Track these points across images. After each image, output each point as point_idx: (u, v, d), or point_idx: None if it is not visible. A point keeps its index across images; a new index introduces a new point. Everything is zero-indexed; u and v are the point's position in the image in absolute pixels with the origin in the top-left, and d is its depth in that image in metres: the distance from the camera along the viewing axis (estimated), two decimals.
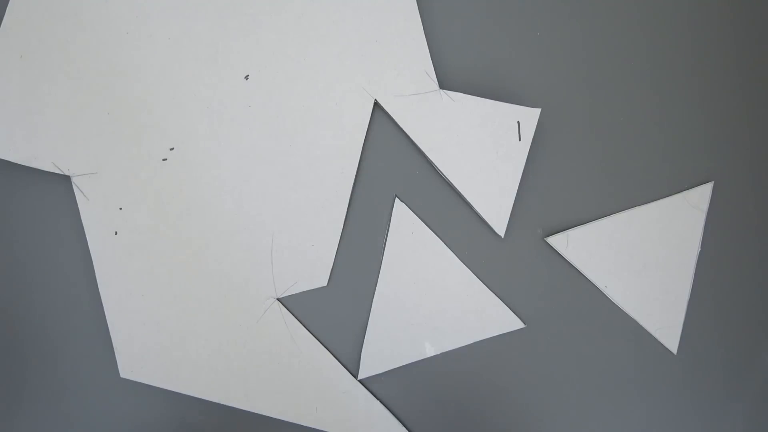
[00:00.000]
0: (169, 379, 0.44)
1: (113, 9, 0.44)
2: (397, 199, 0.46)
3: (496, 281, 0.46)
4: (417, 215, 0.46)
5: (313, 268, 0.45)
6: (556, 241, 0.46)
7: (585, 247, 0.46)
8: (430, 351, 0.46)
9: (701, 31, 0.49)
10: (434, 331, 0.46)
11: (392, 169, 0.47)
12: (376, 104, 0.46)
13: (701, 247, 0.48)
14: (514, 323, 0.46)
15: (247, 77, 0.45)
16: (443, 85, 0.46)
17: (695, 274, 0.47)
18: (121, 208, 0.44)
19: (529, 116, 0.46)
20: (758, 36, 0.49)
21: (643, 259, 0.47)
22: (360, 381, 0.46)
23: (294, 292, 0.45)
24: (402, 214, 0.46)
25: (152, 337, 0.44)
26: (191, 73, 0.45)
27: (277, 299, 0.45)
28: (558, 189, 0.47)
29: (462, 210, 0.47)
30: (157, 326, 0.44)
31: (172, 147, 0.45)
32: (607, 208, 0.47)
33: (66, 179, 0.44)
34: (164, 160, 0.44)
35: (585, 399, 0.47)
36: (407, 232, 0.46)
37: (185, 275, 0.44)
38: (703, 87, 0.49)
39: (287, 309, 0.45)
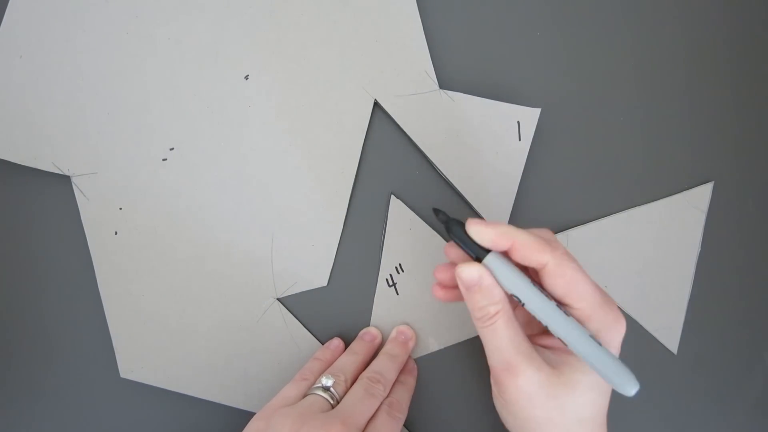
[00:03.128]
0: (168, 379, 0.44)
1: (113, 9, 0.44)
2: (392, 196, 0.46)
3: None
4: (415, 212, 0.46)
5: (313, 268, 0.46)
6: None
7: (585, 247, 0.47)
8: (433, 346, 0.46)
9: (701, 32, 0.49)
10: (437, 326, 0.46)
11: (392, 169, 0.47)
12: (376, 104, 0.46)
13: (701, 247, 0.48)
14: None
15: (247, 77, 0.45)
16: (443, 84, 0.46)
17: (695, 274, 0.47)
18: (121, 208, 0.44)
19: (529, 116, 0.46)
20: (758, 37, 0.49)
21: (643, 259, 0.47)
22: None
23: (294, 292, 0.45)
24: (398, 211, 0.46)
25: (152, 338, 0.44)
26: (192, 72, 0.45)
27: (277, 299, 0.45)
28: (558, 189, 0.47)
29: (462, 210, 0.46)
30: (157, 326, 0.44)
31: (172, 147, 0.45)
32: (607, 208, 0.47)
33: (66, 179, 0.44)
34: (164, 160, 0.44)
35: None
36: (405, 228, 0.46)
37: (185, 275, 0.44)
38: (703, 87, 0.49)
39: (287, 309, 0.45)
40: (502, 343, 0.34)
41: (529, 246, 0.33)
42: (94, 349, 0.45)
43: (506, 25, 0.48)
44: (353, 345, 0.45)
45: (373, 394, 0.39)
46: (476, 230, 0.34)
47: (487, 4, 0.48)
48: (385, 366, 0.42)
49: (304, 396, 0.40)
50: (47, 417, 0.45)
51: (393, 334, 0.45)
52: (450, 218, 0.36)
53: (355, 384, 0.40)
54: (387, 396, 0.41)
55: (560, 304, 0.34)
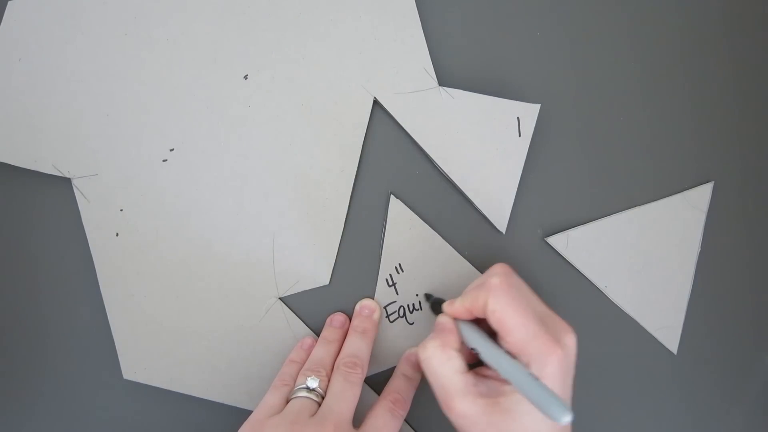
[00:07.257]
0: (172, 380, 0.44)
1: (111, 11, 0.44)
2: (392, 196, 0.46)
3: None
4: (415, 212, 0.46)
5: (314, 267, 0.46)
6: (556, 241, 0.47)
7: (585, 247, 0.47)
8: None
9: (702, 31, 0.49)
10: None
11: (393, 167, 0.47)
12: (376, 102, 0.46)
13: (701, 247, 0.48)
14: None
15: (246, 77, 0.45)
16: (442, 82, 0.46)
17: (695, 274, 0.48)
18: (122, 210, 0.44)
19: (529, 112, 0.46)
20: (758, 37, 0.49)
21: (643, 259, 0.47)
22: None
23: (296, 291, 0.46)
24: (398, 211, 0.46)
25: (155, 339, 0.44)
26: (191, 73, 0.45)
27: (279, 298, 0.45)
28: (558, 188, 0.47)
29: (463, 209, 0.47)
30: (159, 327, 0.44)
31: (172, 148, 0.44)
32: (607, 208, 0.47)
33: (66, 181, 0.44)
34: (164, 161, 0.44)
35: (585, 398, 0.47)
36: (404, 228, 0.46)
37: (187, 276, 0.45)
38: (703, 87, 0.48)
39: (289, 308, 0.45)
40: (439, 379, 0.38)
41: (466, 312, 0.39)
42: (96, 351, 0.45)
43: (505, 20, 0.48)
44: (325, 333, 0.45)
45: (353, 382, 0.40)
46: (445, 308, 0.41)
47: (485, 0, 0.47)
48: (357, 346, 0.43)
49: (288, 401, 0.40)
50: (50, 419, 0.45)
51: (357, 308, 0.46)
52: (435, 300, 0.44)
53: (333, 374, 0.41)
54: (391, 392, 0.42)
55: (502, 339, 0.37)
